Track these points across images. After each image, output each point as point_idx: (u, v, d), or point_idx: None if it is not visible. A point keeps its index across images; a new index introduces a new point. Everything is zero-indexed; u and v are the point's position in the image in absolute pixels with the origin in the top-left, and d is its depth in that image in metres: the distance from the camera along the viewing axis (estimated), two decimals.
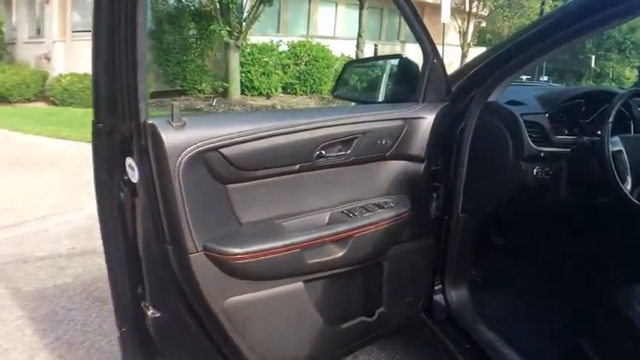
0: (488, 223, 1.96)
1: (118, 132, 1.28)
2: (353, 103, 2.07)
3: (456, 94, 1.72)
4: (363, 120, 1.50)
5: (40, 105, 10.12)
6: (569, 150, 1.80)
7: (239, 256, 1.29)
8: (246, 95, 12.31)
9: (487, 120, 1.70)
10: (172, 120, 1.20)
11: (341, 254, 1.46)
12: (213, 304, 1.33)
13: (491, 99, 1.70)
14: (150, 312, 1.36)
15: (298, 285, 1.45)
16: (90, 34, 1.29)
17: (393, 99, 1.83)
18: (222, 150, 1.26)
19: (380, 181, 1.61)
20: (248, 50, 12.39)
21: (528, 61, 1.60)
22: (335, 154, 1.48)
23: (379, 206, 1.55)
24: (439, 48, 1.71)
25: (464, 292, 1.89)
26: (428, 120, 1.62)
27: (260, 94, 12.56)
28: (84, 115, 8.05)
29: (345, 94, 1.97)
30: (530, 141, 1.69)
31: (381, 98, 1.88)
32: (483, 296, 1.93)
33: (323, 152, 1.44)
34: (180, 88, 11.65)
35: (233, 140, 1.27)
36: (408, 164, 1.63)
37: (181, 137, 1.21)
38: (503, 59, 1.63)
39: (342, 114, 1.50)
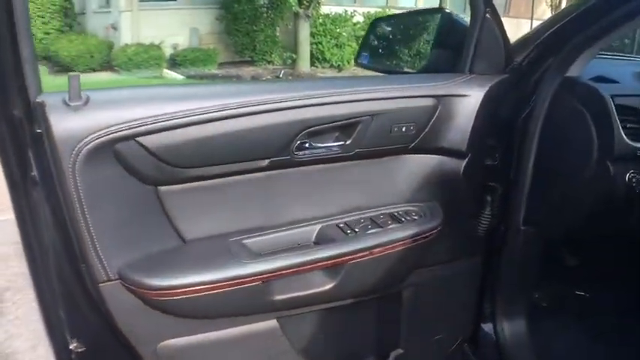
0: (559, 240, 1.52)
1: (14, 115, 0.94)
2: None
3: (521, 66, 1.26)
4: (370, 97, 1.06)
5: (104, 75, 10.15)
6: None
7: (170, 292, 0.91)
8: (317, 67, 11.93)
9: (563, 102, 1.24)
10: (69, 98, 0.83)
11: (332, 285, 1.05)
12: (142, 347, 0.97)
13: (570, 74, 1.26)
14: (72, 345, 1.02)
15: (269, 324, 1.05)
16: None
17: (429, 69, 1.36)
18: (142, 139, 0.88)
19: (398, 184, 1.17)
20: (320, 20, 11.96)
21: (625, 21, 1.15)
22: (327, 145, 1.05)
23: (396, 218, 1.12)
24: (527, 22, 1.27)
25: (521, 322, 1.45)
26: (473, 99, 1.17)
27: (331, 66, 12.14)
28: None
29: (370, 63, 1.51)
30: (623, 134, 1.23)
31: (413, 68, 1.42)
32: (547, 329, 1.52)
33: (307, 142, 1.03)
34: (249, 59, 11.46)
35: (159, 125, 0.88)
36: (443, 159, 1.20)
37: (78, 122, 0.84)
38: (591, 19, 1.17)
39: (342, 87, 1.06)
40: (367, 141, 1.08)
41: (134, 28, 10.32)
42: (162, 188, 0.95)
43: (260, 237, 1.03)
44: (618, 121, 1.25)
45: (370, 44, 1.57)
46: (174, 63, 10.29)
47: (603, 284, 1.65)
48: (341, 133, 1.06)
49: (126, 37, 10.49)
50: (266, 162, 1.00)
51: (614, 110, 1.24)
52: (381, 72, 1.54)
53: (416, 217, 1.15)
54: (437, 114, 1.14)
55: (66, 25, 11.77)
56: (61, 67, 9.69)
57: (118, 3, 10.75)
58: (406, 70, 1.49)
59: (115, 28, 10.63)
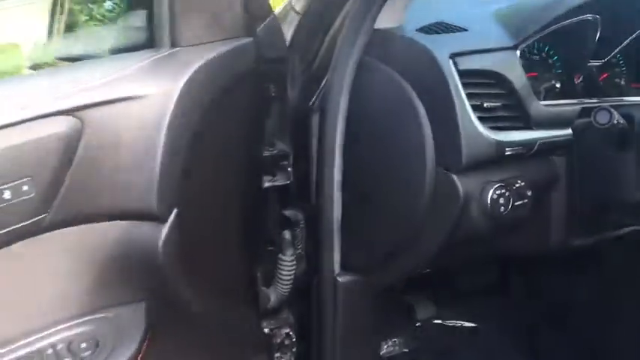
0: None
1: None
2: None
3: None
4: None
5: None
6: (569, 135, 0.97)
7: None
8: None
9: (375, 75, 0.92)
10: None
11: None
12: None
13: (383, 24, 0.91)
14: None
15: None
16: None
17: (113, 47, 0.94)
18: None
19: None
20: None
21: None
22: None
23: None
24: None
25: None
26: (167, 97, 0.74)
27: None
28: None
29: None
30: (475, 120, 0.86)
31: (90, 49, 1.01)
32: None
33: None
34: None
35: None
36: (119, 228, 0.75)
37: None
38: None
39: None
40: None
41: None
42: None
43: None
44: (465, 98, 0.84)
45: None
46: None
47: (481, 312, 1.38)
48: None
49: None
50: None
51: (458, 80, 0.85)
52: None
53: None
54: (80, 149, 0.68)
55: None
56: None
57: None
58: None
59: None
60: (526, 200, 0.90)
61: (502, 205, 0.86)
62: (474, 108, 0.85)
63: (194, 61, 0.76)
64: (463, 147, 0.83)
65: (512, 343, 1.34)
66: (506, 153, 0.87)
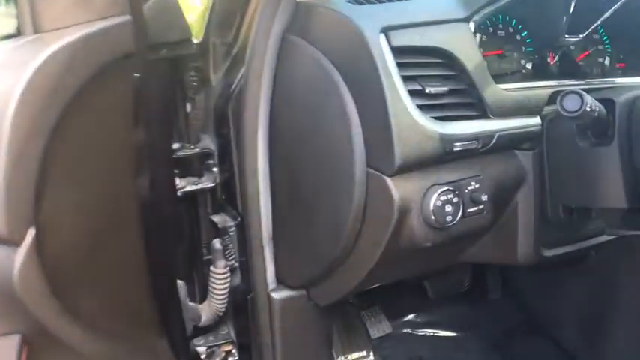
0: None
1: None
2: None
3: None
4: None
5: None
6: (536, 125, 0.78)
7: None
8: None
9: (295, 52, 0.77)
10: None
11: None
12: None
13: None
14: None
15: None
16: None
17: None
18: None
19: None
20: None
21: None
22: None
23: None
24: None
25: None
26: (8, 95, 0.60)
27: None
28: None
29: None
30: (413, 110, 0.68)
31: None
32: None
33: None
34: None
35: None
36: None
37: None
38: None
39: None
40: None
41: None
42: None
43: None
44: (401, 82, 0.68)
45: None
46: None
47: None
48: None
49: None
50: None
51: (392, 59, 0.68)
52: None
53: None
54: None
55: None
56: None
57: None
58: None
59: None
60: (482, 206, 0.73)
61: (449, 213, 0.69)
62: (413, 94, 0.68)
63: (47, 48, 0.60)
64: (396, 143, 0.66)
65: (488, 350, 1.19)
66: (456, 149, 0.70)
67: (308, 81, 0.74)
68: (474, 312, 1.21)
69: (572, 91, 0.64)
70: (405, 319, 1.19)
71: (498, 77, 0.77)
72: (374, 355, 1.11)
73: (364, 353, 1.10)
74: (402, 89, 0.67)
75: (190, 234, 0.98)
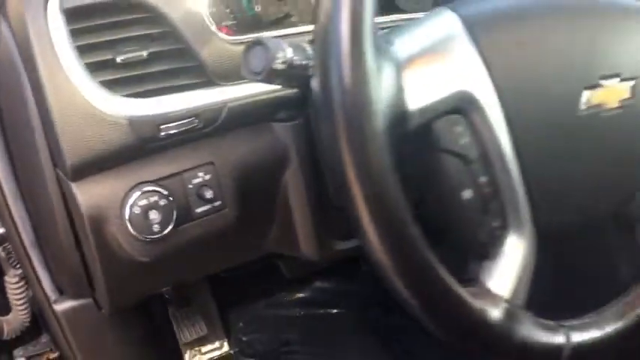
0: None
1: None
2: None
3: None
4: None
5: None
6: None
7: None
8: None
9: None
10: None
11: None
12: None
13: None
14: None
15: None
16: None
17: None
18: None
19: None
20: None
21: None
22: None
23: None
24: None
25: None
26: None
27: None
28: None
29: None
30: (90, 88, 0.51)
31: None
32: None
33: None
34: None
35: None
36: None
37: None
38: None
39: None
40: None
41: None
42: None
43: None
44: (73, 55, 0.52)
45: None
46: None
47: None
48: None
49: None
50: None
51: (64, 25, 0.51)
52: None
53: None
54: None
55: None
56: None
57: None
58: None
59: None
60: (217, 203, 0.57)
61: (156, 221, 0.54)
62: (99, 67, 0.52)
63: None
64: (61, 139, 0.51)
65: (365, 326, 1.07)
66: (163, 133, 0.54)
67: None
68: (345, 287, 1.08)
69: (257, 42, 0.46)
70: (269, 300, 1.07)
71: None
72: (229, 345, 1.00)
73: (217, 345, 1.00)
74: (72, 65, 0.51)
75: None
